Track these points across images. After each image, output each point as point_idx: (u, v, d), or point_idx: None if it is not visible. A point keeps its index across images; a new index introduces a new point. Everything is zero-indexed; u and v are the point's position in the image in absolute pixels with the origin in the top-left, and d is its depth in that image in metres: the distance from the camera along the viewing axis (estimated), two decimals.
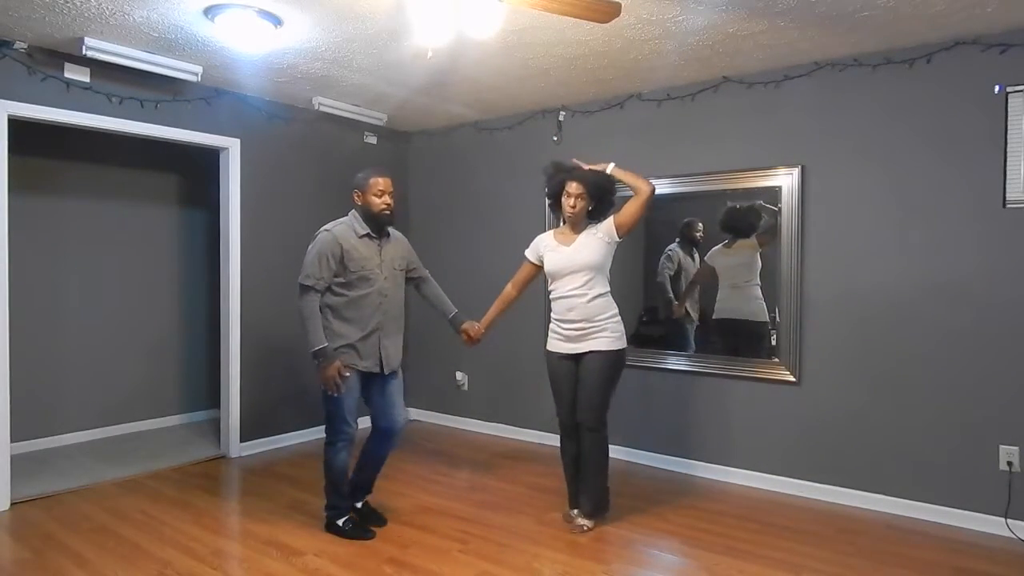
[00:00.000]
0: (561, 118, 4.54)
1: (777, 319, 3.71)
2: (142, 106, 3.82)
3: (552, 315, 3.16)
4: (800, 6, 2.83)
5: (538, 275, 3.28)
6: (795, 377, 3.64)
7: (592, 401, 3.05)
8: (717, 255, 3.96)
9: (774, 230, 3.71)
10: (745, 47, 3.35)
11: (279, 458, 4.32)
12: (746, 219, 3.81)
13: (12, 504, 3.40)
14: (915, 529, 3.19)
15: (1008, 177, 3.08)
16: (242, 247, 4.33)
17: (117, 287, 4.83)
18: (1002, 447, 3.11)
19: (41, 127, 3.59)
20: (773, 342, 3.73)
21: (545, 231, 3.44)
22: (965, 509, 3.19)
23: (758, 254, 3.79)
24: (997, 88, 3.08)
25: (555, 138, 4.54)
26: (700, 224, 4.02)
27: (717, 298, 3.96)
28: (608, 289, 3.10)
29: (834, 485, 3.53)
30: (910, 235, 3.33)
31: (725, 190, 3.86)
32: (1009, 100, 3.06)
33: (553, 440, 4.52)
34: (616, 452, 4.27)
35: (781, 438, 3.70)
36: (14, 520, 3.25)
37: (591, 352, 3.03)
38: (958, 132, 3.19)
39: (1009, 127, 3.06)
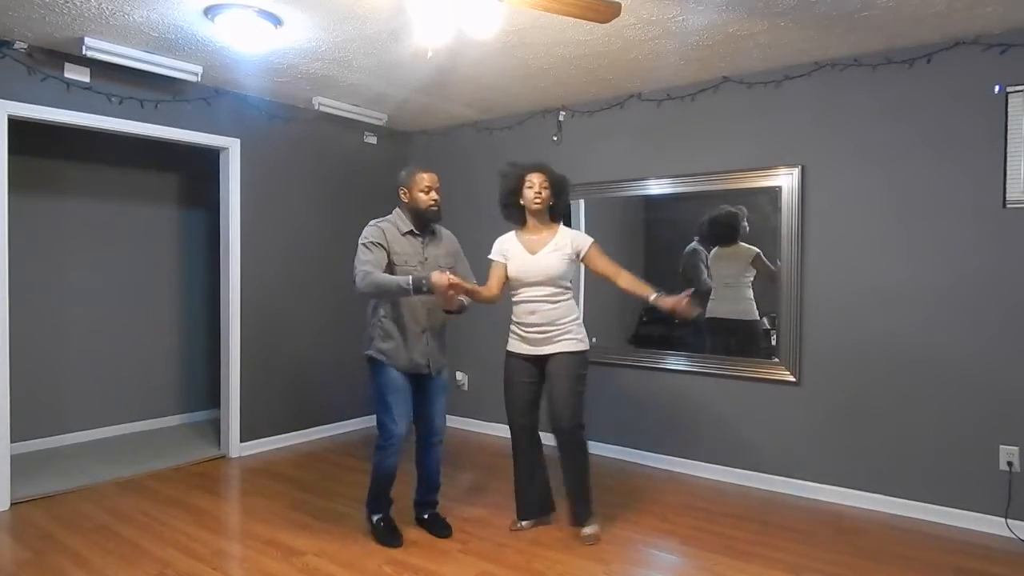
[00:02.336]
0: (561, 118, 4.54)
1: (777, 319, 3.71)
2: (142, 106, 3.82)
3: (513, 317, 3.06)
4: (800, 6, 2.83)
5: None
6: (795, 377, 3.64)
7: (567, 402, 2.97)
8: (714, 256, 3.98)
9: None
10: (745, 47, 3.35)
11: (279, 458, 4.32)
12: (729, 224, 3.85)
13: (12, 504, 3.40)
14: (915, 529, 3.19)
15: (1008, 177, 3.08)
16: (242, 247, 4.33)
17: (117, 287, 4.83)
18: (1002, 447, 3.11)
19: (41, 127, 3.58)
20: (773, 342, 3.73)
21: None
22: (965, 509, 3.19)
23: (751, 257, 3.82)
24: (997, 88, 3.08)
25: (555, 138, 4.54)
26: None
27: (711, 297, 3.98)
28: (571, 293, 3.05)
29: (834, 485, 3.53)
30: (910, 235, 3.33)
31: (725, 190, 3.86)
32: (1009, 100, 3.06)
33: (553, 440, 4.52)
34: (616, 452, 4.30)
35: (781, 438, 3.70)
36: (14, 520, 3.25)
37: (560, 354, 2.97)
38: (958, 132, 3.19)
39: (1009, 127, 3.06)
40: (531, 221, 3.06)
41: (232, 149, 4.28)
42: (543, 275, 2.96)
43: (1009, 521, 3.09)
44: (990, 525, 3.13)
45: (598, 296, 4.47)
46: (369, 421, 5.16)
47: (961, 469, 3.21)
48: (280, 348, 4.57)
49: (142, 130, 3.84)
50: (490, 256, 3.13)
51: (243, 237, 4.34)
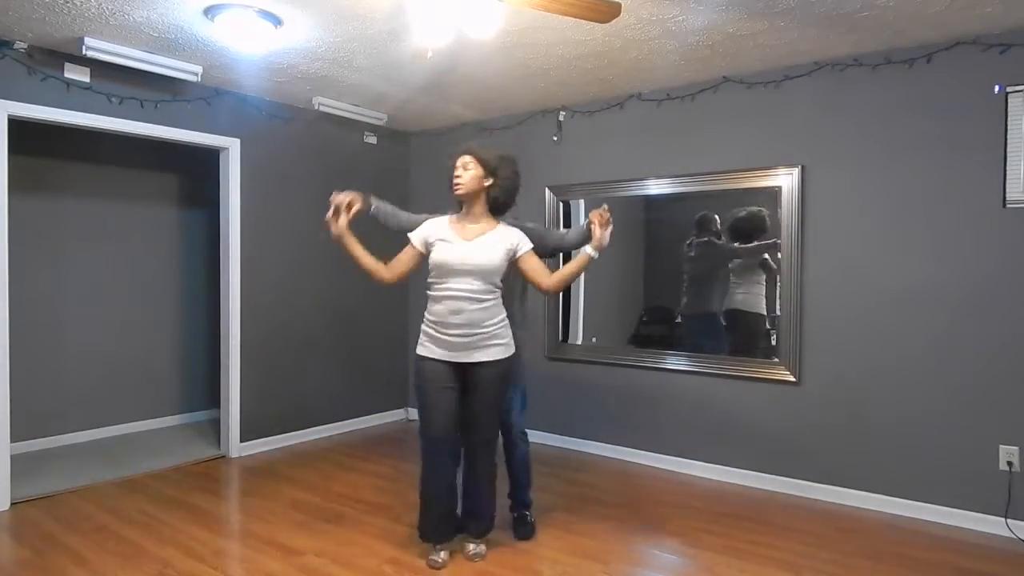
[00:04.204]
0: (561, 118, 4.54)
1: (777, 319, 3.71)
2: (142, 106, 3.82)
3: (429, 316, 2.72)
4: (800, 6, 2.83)
5: (416, 266, 2.78)
6: (795, 377, 3.64)
7: (492, 415, 2.77)
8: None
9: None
10: (745, 47, 3.35)
11: (279, 458, 4.32)
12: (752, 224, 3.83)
13: (12, 504, 3.40)
14: (915, 529, 3.19)
15: (1008, 177, 3.08)
16: (242, 247, 4.33)
17: (117, 287, 4.83)
18: (1002, 447, 3.11)
19: (41, 127, 3.59)
20: (773, 342, 3.73)
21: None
22: (965, 509, 3.19)
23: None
24: (997, 88, 3.08)
25: (555, 138, 4.54)
26: (716, 216, 3.95)
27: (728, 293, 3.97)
28: (499, 294, 2.73)
29: (834, 485, 3.53)
30: (910, 235, 3.33)
31: (725, 190, 3.86)
32: (1009, 100, 3.06)
33: (554, 440, 4.54)
34: (616, 452, 4.30)
35: (781, 438, 3.70)
36: (14, 520, 3.25)
37: (486, 363, 2.68)
38: (958, 132, 3.19)
39: (1009, 127, 3.06)
40: (465, 208, 2.75)
41: (232, 149, 4.27)
42: (472, 264, 2.64)
43: (1009, 521, 3.09)
44: (990, 525, 3.13)
45: (598, 296, 4.47)
46: (369, 421, 5.18)
47: (961, 469, 3.21)
48: (280, 348, 4.57)
49: (142, 130, 3.83)
50: (411, 234, 2.79)
51: (243, 237, 4.34)
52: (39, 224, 4.42)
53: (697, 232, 4.03)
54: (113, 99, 3.70)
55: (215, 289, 4.53)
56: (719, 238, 3.97)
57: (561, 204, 4.53)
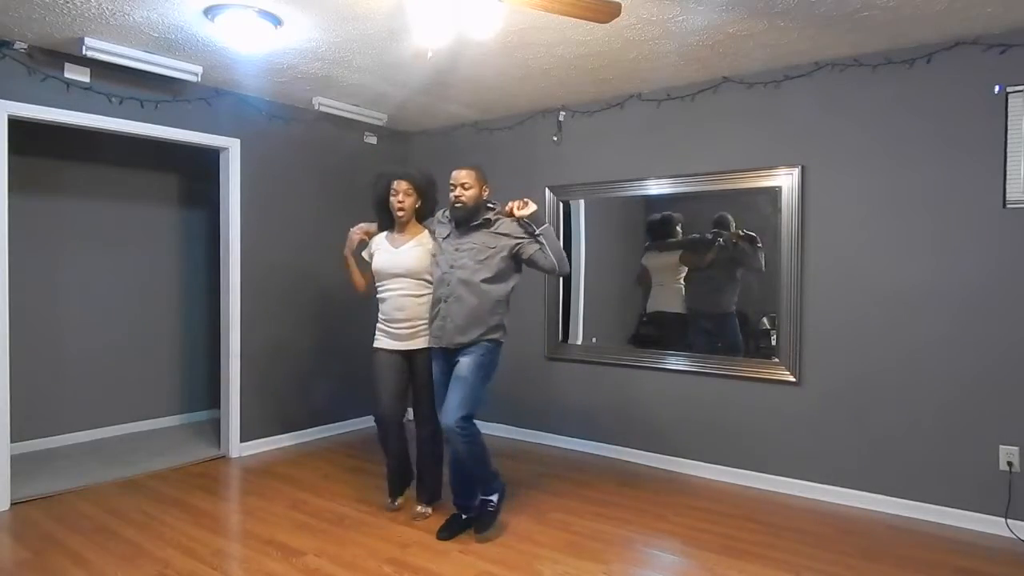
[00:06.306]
0: (561, 118, 4.54)
1: (777, 319, 3.71)
2: (142, 106, 3.82)
3: (380, 315, 3.26)
4: (800, 6, 2.83)
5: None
6: (795, 377, 3.64)
7: (429, 395, 3.20)
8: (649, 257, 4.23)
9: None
10: (745, 47, 3.35)
11: (279, 458, 4.32)
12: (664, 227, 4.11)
13: (12, 504, 3.40)
14: (915, 529, 3.19)
15: (1008, 177, 3.08)
16: (242, 247, 4.33)
17: (117, 287, 4.83)
18: (1002, 447, 3.11)
19: (41, 127, 3.58)
20: (773, 342, 3.73)
21: None
22: (965, 509, 3.19)
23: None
24: (997, 88, 3.08)
25: (555, 138, 4.54)
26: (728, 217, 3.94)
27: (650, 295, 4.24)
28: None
29: (834, 485, 3.53)
30: (910, 235, 3.33)
31: (725, 190, 3.86)
32: (1009, 100, 3.06)
33: (554, 440, 4.55)
34: (615, 452, 4.30)
35: (781, 438, 3.70)
36: (14, 520, 3.25)
37: (424, 350, 3.18)
38: (958, 132, 3.19)
39: (1009, 127, 3.06)
40: (399, 223, 3.25)
41: (232, 149, 4.27)
42: (403, 268, 3.17)
43: (1009, 521, 3.09)
44: (990, 525, 3.13)
45: (598, 296, 4.48)
46: (368, 421, 5.15)
47: (961, 469, 3.21)
48: (280, 348, 4.57)
49: (142, 130, 3.83)
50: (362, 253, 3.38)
51: (243, 237, 4.34)
52: (39, 224, 4.42)
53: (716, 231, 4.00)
54: (113, 99, 3.70)
55: (215, 289, 4.53)
56: (735, 238, 3.93)
57: (561, 204, 4.53)
